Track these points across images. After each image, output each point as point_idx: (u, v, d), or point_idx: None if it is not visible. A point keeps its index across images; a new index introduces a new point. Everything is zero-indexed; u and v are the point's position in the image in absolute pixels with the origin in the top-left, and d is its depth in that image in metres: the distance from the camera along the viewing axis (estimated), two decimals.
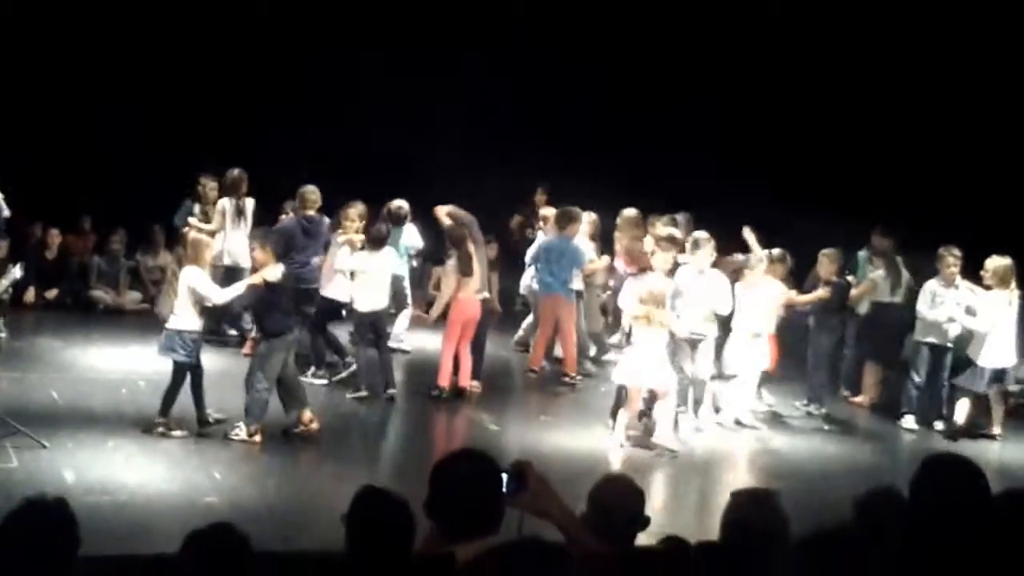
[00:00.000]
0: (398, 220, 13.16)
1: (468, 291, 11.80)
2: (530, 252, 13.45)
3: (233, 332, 13.01)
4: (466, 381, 11.88)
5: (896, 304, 12.80)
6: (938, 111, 16.00)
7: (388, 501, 4.20)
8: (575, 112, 17.53)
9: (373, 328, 11.65)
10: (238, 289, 10.19)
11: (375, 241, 11.76)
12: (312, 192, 12.58)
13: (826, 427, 12.08)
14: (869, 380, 12.95)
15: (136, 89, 16.08)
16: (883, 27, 16.55)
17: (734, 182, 15.89)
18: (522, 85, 17.24)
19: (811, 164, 16.50)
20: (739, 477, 10.44)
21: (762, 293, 11.58)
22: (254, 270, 10.54)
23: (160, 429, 9.62)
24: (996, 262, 11.65)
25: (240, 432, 9.73)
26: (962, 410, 11.90)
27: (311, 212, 12.57)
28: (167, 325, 9.96)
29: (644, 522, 4.80)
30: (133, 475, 8.73)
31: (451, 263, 11.89)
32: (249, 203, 13.18)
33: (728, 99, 17.32)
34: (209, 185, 13.51)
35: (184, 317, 9.80)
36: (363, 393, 11.40)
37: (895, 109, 16.50)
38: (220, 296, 9.99)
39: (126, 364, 11.92)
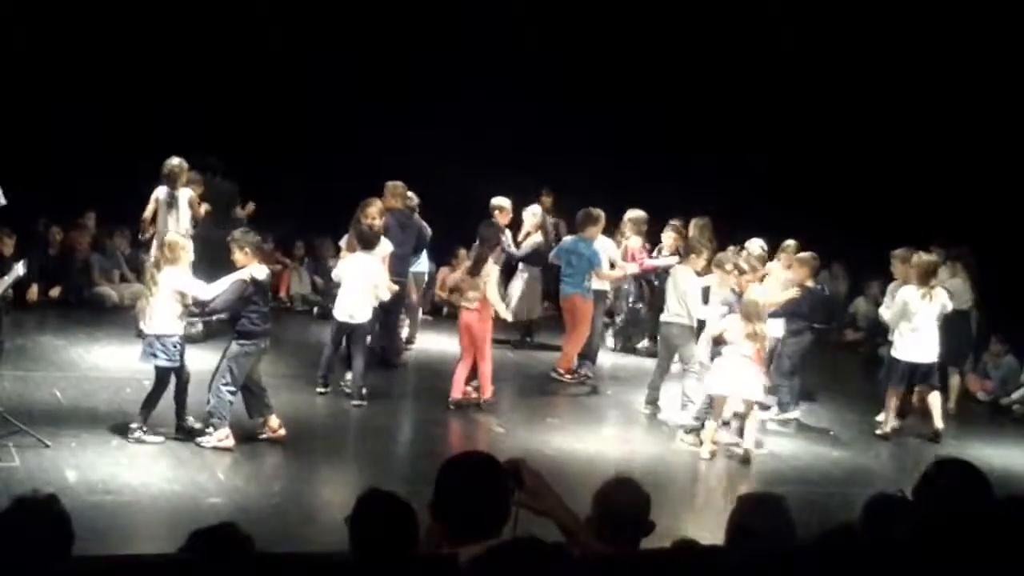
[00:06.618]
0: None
1: None
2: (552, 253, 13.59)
3: None
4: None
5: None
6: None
7: (392, 503, 4.19)
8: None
9: (349, 339, 11.37)
10: (223, 285, 9.72)
11: (363, 241, 11.37)
12: (400, 186, 12.68)
13: (832, 432, 12.07)
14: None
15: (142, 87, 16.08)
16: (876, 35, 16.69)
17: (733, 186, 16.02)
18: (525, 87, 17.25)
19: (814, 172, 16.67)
20: (744, 482, 10.42)
21: (723, 294, 11.61)
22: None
23: (136, 434, 9.37)
24: (920, 258, 11.81)
25: (210, 439, 9.48)
26: (892, 405, 11.99)
27: (401, 206, 12.62)
28: (146, 330, 9.66)
29: (649, 527, 4.78)
30: (136, 475, 8.70)
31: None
32: (183, 194, 12.68)
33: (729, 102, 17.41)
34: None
35: (163, 321, 9.48)
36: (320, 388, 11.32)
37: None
38: (206, 292, 9.65)
39: (130, 363, 11.81)
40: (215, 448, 9.46)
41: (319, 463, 9.75)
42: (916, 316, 11.65)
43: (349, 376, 11.48)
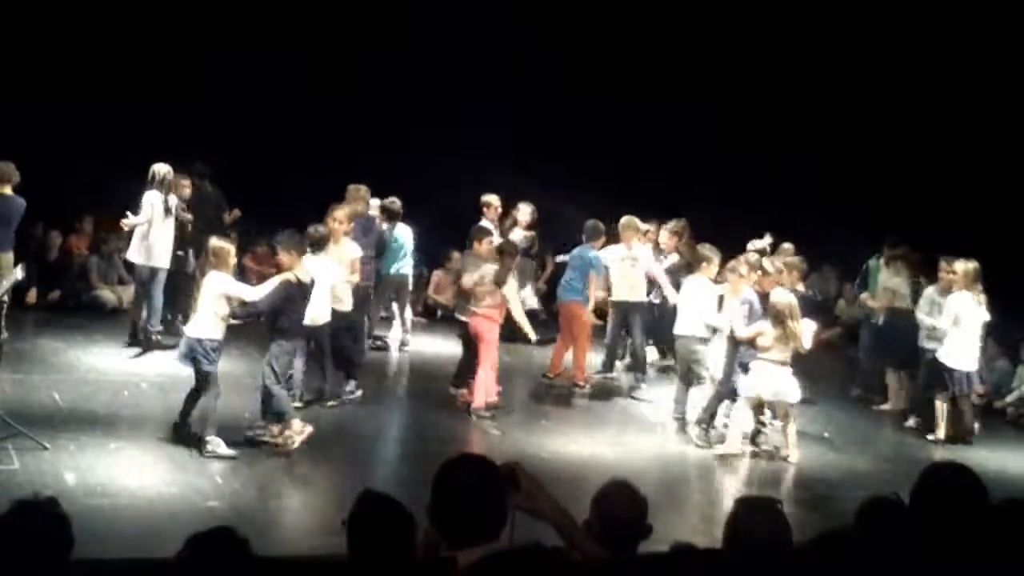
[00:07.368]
0: (393, 216, 13.13)
1: None
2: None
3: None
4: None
5: (912, 310, 12.95)
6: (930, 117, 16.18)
7: (389, 506, 4.20)
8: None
9: (316, 343, 11.11)
10: (270, 286, 9.78)
11: (311, 244, 10.89)
12: (362, 190, 12.65)
13: (826, 434, 12.09)
14: (893, 387, 13.18)
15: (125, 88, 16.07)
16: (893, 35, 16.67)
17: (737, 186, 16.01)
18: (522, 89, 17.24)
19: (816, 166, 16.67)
20: (741, 486, 10.44)
21: (737, 300, 11.62)
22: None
23: (211, 445, 9.29)
24: (965, 264, 11.94)
25: (293, 437, 9.53)
26: (942, 413, 12.07)
27: (363, 210, 12.54)
28: (187, 332, 9.73)
29: (646, 530, 4.79)
30: (134, 478, 8.70)
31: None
32: (173, 200, 12.70)
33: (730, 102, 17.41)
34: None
35: (204, 325, 9.51)
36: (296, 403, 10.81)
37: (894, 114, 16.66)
38: (252, 294, 9.71)
39: (128, 366, 11.90)
40: (302, 444, 9.55)
41: (316, 466, 9.74)
42: (966, 323, 11.85)
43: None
